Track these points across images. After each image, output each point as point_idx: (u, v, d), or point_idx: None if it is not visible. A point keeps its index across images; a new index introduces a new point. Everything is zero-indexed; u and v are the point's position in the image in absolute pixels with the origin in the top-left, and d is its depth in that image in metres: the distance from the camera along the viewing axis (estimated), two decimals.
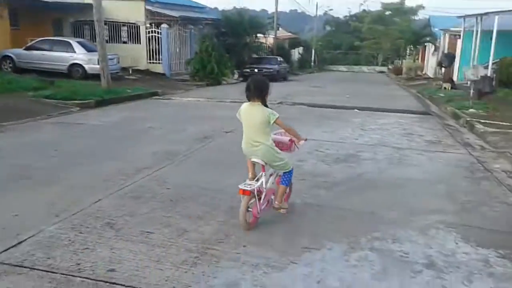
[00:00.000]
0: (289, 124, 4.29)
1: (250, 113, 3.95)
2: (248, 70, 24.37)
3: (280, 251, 3.43)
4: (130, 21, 21.34)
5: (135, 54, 20.83)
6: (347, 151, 7.00)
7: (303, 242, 3.60)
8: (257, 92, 3.91)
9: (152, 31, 21.43)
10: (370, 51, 60.97)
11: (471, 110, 11.70)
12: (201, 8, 27.64)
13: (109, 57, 14.99)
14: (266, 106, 3.94)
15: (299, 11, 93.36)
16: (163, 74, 21.57)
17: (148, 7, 21.36)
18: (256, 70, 24.26)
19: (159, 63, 21.82)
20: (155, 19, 21.60)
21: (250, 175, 4.12)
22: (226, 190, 4.83)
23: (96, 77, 14.85)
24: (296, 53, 45.57)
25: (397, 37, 53.70)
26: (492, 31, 18.82)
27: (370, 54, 61.39)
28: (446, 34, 29.89)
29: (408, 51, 45.41)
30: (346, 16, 71.87)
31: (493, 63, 17.97)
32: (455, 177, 5.78)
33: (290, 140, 4.27)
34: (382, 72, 54.63)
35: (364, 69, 56.60)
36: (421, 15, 58.86)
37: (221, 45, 22.68)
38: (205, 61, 20.35)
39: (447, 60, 19.22)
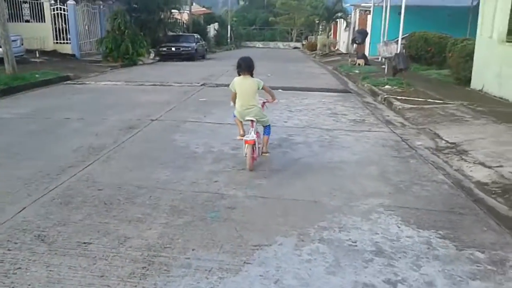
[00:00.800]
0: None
1: (244, 84, 5.25)
2: (164, 49, 23.57)
3: (231, 252, 3.32)
4: None
5: (39, 34, 19.17)
6: (280, 135, 6.99)
7: (252, 240, 3.51)
8: (247, 68, 5.25)
9: (57, 8, 19.81)
10: (284, 26, 62.03)
11: (387, 86, 12.30)
12: None
13: (12, 38, 13.59)
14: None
15: None
16: (73, 55, 20.22)
17: None
18: (173, 49, 23.57)
19: (67, 43, 20.38)
20: None
21: (241, 132, 5.46)
22: (164, 187, 4.59)
23: None
24: (212, 30, 44.83)
25: (310, 13, 55.14)
26: (400, 7, 19.89)
27: (285, 30, 62.39)
28: (357, 10, 31.09)
29: (321, 27, 46.66)
30: None
31: (402, 38, 19.04)
32: (384, 157, 6.01)
33: (263, 102, 5.62)
34: (296, 48, 55.89)
35: (280, 45, 57.48)
36: None
37: (134, 22, 21.57)
38: (118, 40, 19.29)
39: (361, 36, 19.97)
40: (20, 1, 19.44)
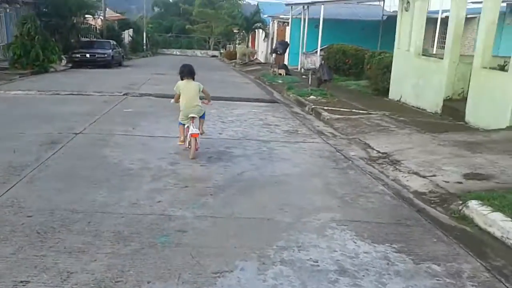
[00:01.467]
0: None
1: (188, 87, 6.24)
2: (78, 55, 22.23)
3: (191, 282, 3.06)
4: None
5: None
6: (217, 148, 6.80)
7: (211, 266, 3.29)
8: (190, 73, 6.31)
9: None
10: (202, 35, 61.75)
11: (312, 96, 12.60)
12: None
13: None
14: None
15: None
16: None
17: None
18: (87, 56, 22.32)
19: None
20: None
21: (182, 138, 6.44)
22: (103, 211, 4.19)
23: None
24: (127, 36, 43.30)
25: (228, 22, 55.49)
26: (318, 19, 20.64)
27: (202, 38, 62.12)
28: (275, 21, 31.79)
29: (238, 37, 47.08)
30: None
31: (321, 50, 19.76)
32: (324, 168, 6.07)
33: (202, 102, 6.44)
34: (214, 56, 55.78)
35: (198, 53, 57.00)
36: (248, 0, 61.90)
37: (44, 27, 20.10)
38: (27, 46, 17.79)
39: (282, 47, 20.40)
40: None
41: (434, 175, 5.61)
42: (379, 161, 6.53)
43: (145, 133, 7.69)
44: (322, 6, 19.62)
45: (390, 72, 12.44)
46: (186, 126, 6.32)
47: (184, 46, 60.92)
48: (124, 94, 12.24)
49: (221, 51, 57.07)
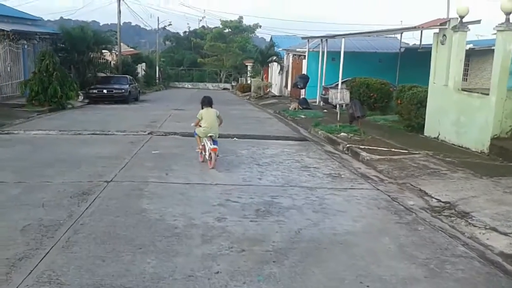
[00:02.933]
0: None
1: (208, 113, 8.08)
2: (95, 91, 22.01)
3: None
4: None
5: None
6: (262, 198, 6.19)
7: None
8: (209, 103, 8.25)
9: None
10: (213, 68, 62.12)
11: (342, 134, 12.04)
12: (35, 20, 24.10)
13: None
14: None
15: (133, 24, 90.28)
16: None
17: None
18: (105, 92, 22.08)
19: None
20: None
21: (200, 146, 8.28)
22: (156, 287, 3.57)
23: None
24: (140, 70, 43.50)
25: (238, 55, 55.76)
26: (334, 52, 20.35)
27: (213, 71, 62.42)
28: (290, 54, 31.64)
29: (252, 70, 47.06)
30: (186, 32, 71.99)
31: (342, 83, 19.32)
32: (388, 224, 5.42)
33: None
34: (226, 89, 55.86)
35: (209, 86, 57.12)
36: (258, 34, 62.55)
37: (61, 63, 19.93)
38: (45, 82, 17.57)
39: (302, 81, 20.01)
40: None
41: None
42: (445, 212, 5.87)
43: (180, 179, 7.11)
44: (343, 39, 19.29)
45: (425, 108, 11.87)
46: (202, 143, 8.20)
47: (196, 79, 61.15)
48: (148, 134, 11.76)
49: (232, 83, 57.19)
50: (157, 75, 49.42)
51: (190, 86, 56.07)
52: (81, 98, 21.43)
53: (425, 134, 11.86)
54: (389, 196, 6.61)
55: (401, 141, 10.96)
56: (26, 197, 5.88)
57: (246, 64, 51.42)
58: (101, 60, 25.63)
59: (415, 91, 12.66)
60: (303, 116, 16.97)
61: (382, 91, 16.96)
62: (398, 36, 25.69)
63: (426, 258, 4.37)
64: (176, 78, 59.05)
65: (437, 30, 11.57)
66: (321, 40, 23.40)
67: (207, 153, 7.92)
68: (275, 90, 34.74)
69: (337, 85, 21.25)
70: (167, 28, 63.90)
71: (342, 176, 7.88)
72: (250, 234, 4.85)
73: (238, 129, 13.71)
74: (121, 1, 30.78)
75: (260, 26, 60.72)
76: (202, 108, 8.20)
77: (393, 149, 9.99)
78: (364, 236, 4.96)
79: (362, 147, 10.19)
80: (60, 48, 22.43)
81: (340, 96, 12.83)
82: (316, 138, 12.42)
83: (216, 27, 64.59)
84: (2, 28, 18.53)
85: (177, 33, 72.17)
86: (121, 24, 32.39)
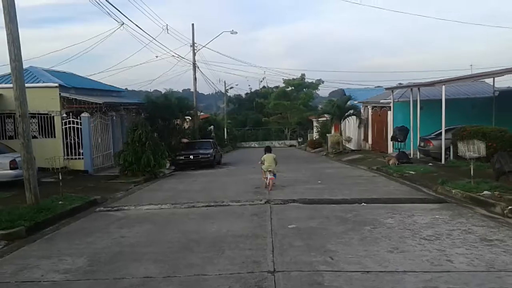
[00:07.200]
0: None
1: (268, 156, 13.51)
2: (182, 157, 21.77)
3: None
4: (41, 112, 17.84)
5: (49, 151, 17.11)
6: None
7: None
8: (269, 151, 14.11)
9: (69, 121, 18.08)
10: (277, 125, 62.05)
11: (485, 192, 10.38)
12: (119, 91, 24.79)
13: (18, 158, 11.69)
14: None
15: (191, 90, 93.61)
16: (85, 172, 18.07)
17: (64, 94, 18.09)
18: (191, 157, 21.77)
19: (79, 158, 18.31)
20: (73, 108, 18.35)
21: (264, 177, 13.43)
22: None
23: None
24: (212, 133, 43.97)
25: (303, 111, 55.39)
26: (424, 101, 18.94)
27: (278, 129, 62.29)
28: (368, 106, 30.43)
29: (317, 125, 46.16)
30: (247, 93, 73.30)
31: (446, 132, 17.72)
32: None
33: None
34: (293, 145, 55.23)
35: (275, 144, 56.64)
36: (321, 89, 62.34)
37: (153, 131, 19.93)
38: (138, 152, 17.36)
39: (402, 134, 18.59)
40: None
41: None
42: None
43: (352, 265, 5.83)
44: (444, 86, 17.91)
45: None
46: (265, 176, 13.15)
47: (260, 138, 61.15)
48: (265, 203, 10.68)
49: (298, 140, 56.46)
50: (225, 137, 49.78)
51: (257, 145, 55.95)
52: (167, 165, 21.17)
53: None
54: None
55: None
56: None
57: (312, 119, 50.75)
58: (188, 127, 25.70)
59: None
60: (412, 172, 15.35)
61: (502, 139, 15.17)
62: (486, 79, 24.17)
63: None
64: (242, 138, 59.43)
65: None
66: (411, 89, 22.13)
67: (267, 181, 12.95)
68: (351, 145, 33.34)
69: (437, 135, 19.72)
70: (228, 91, 65.30)
71: None
72: None
73: (350, 190, 12.47)
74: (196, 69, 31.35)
75: (323, 82, 60.54)
76: (265, 153, 13.66)
77: None
78: None
79: None
80: (146, 117, 22.67)
81: (473, 148, 11.29)
82: (454, 199, 10.73)
83: (276, 86, 65.34)
84: (95, 101, 18.84)
85: (239, 94, 73.67)
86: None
